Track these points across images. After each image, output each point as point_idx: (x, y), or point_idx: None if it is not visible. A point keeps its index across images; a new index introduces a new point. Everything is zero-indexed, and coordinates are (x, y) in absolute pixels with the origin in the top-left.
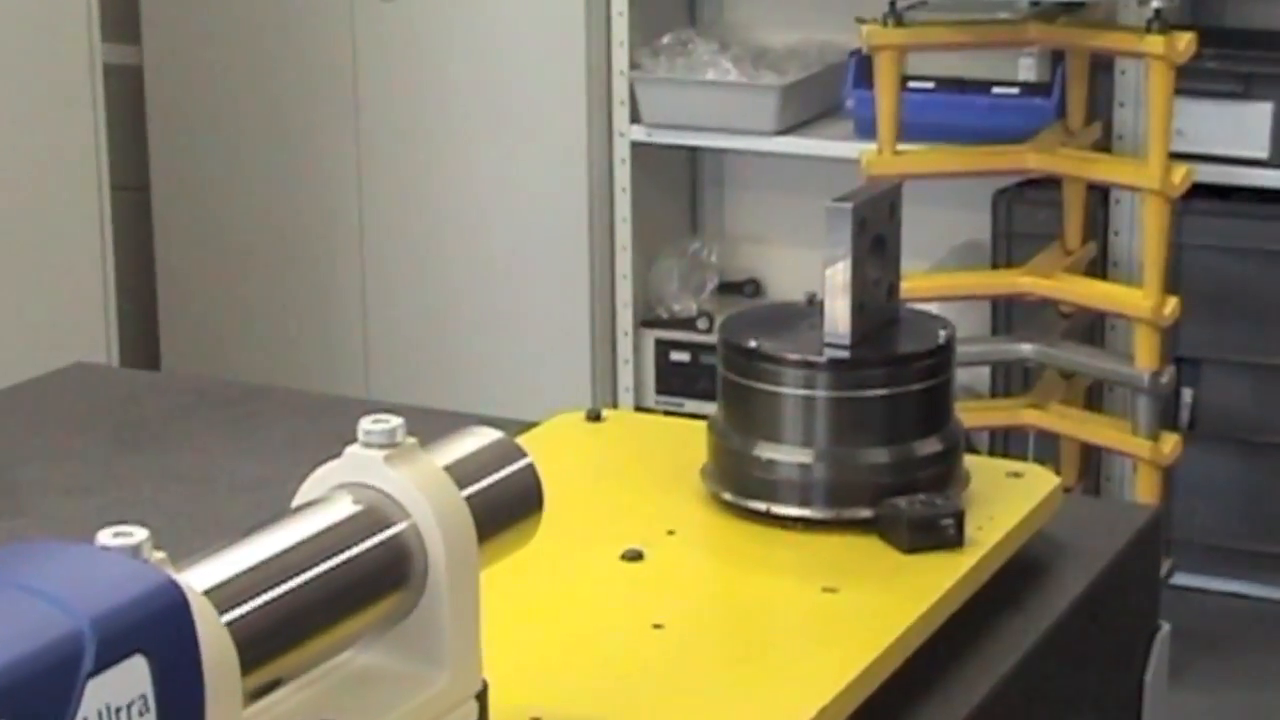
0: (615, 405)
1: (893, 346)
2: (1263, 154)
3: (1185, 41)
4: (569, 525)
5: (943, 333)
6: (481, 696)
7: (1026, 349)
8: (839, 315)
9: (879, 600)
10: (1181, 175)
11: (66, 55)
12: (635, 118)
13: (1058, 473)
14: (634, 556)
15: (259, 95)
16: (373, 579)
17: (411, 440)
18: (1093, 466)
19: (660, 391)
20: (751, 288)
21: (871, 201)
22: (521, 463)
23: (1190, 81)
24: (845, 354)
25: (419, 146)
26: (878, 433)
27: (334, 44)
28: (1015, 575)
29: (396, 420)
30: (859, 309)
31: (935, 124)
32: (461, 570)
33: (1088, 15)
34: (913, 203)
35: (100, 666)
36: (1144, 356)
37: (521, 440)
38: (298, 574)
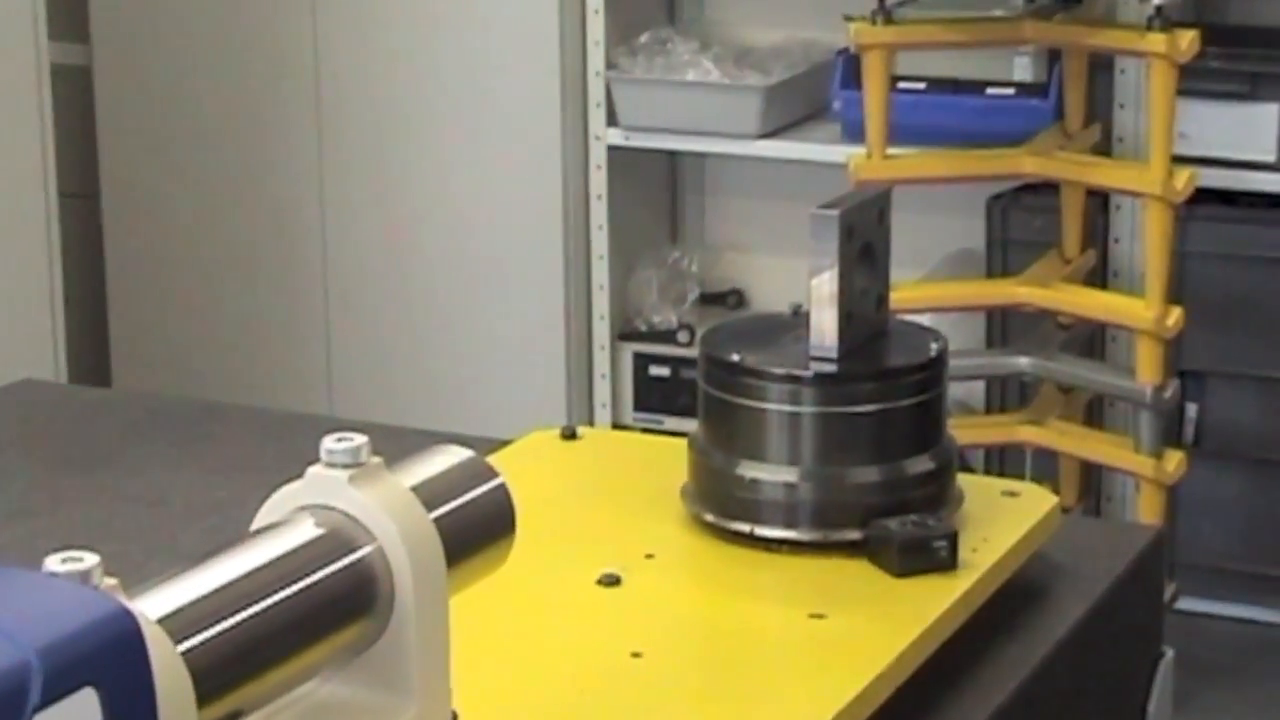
0: (591, 422)
1: (882, 360)
2: (1269, 157)
3: (1188, 40)
4: (543, 549)
5: (935, 345)
6: None
7: (1023, 362)
8: (826, 327)
9: (868, 627)
10: (1184, 180)
11: (11, 55)
12: (612, 120)
13: (1056, 492)
14: (611, 581)
15: (215, 97)
16: (336, 606)
17: (377, 460)
18: (1093, 485)
19: (639, 408)
20: (734, 299)
21: (859, 208)
22: (493, 483)
23: (1194, 81)
24: (832, 368)
25: (385, 151)
26: (867, 450)
27: (295, 45)
28: (1011, 600)
29: (361, 439)
30: (846, 320)
31: (927, 126)
32: (430, 596)
33: (1086, 12)
34: (903, 209)
35: (48, 700)
36: (1146, 370)
37: (493, 459)
38: (257, 601)
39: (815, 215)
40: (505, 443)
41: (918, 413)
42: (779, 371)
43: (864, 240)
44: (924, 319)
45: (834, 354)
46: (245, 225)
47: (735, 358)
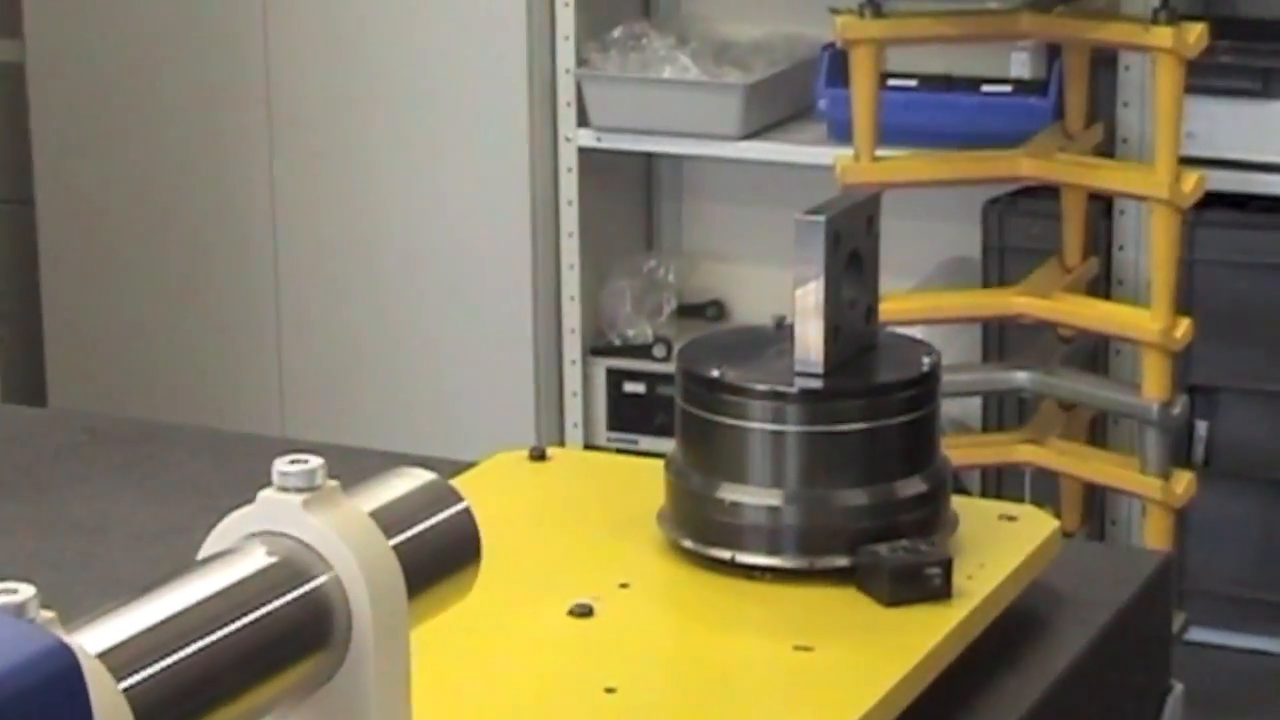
0: (562, 443)
1: (871, 375)
2: None
3: (1196, 33)
4: (510, 577)
5: (927, 359)
6: None
7: (1021, 377)
8: (811, 341)
9: (857, 659)
10: (1193, 183)
11: None
12: (583, 121)
13: (1057, 515)
14: (583, 612)
15: (159, 96)
16: (289, 639)
17: (333, 483)
18: (1096, 508)
19: (612, 427)
20: (714, 310)
21: (847, 213)
22: (457, 507)
23: (1202, 78)
24: (818, 384)
25: (339, 155)
26: (855, 472)
27: (245, 41)
28: (1009, 631)
29: (316, 461)
30: (833, 334)
31: (918, 126)
32: (389, 628)
33: (1088, 4)
34: (893, 215)
35: None
36: (1153, 385)
37: (457, 482)
38: (204, 634)
39: (800, 221)
40: (470, 465)
41: (909, 431)
42: (762, 388)
43: (851, 248)
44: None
45: (820, 369)
46: (191, 233)
47: (715, 373)
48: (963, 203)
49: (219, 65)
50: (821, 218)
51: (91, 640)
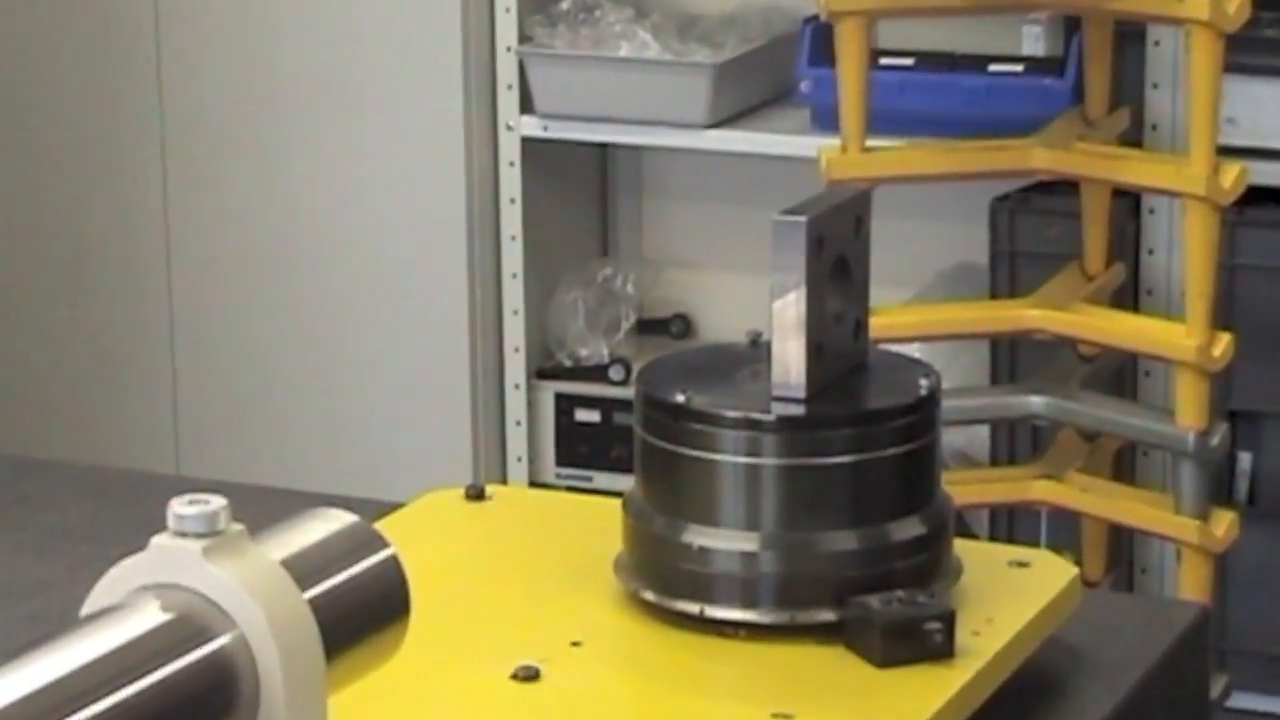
0: (504, 480)
1: (860, 400)
2: None
3: (1236, 4)
4: (445, 635)
5: (925, 381)
6: None
7: (1036, 403)
8: (791, 360)
9: None
10: (1233, 176)
11: None
12: (527, 107)
13: (1077, 562)
14: (529, 675)
15: (37, 94)
16: (187, 708)
17: (238, 527)
18: (1123, 554)
19: (562, 461)
20: (679, 326)
21: (832, 213)
22: (382, 554)
23: (1243, 55)
24: (799, 410)
25: (242, 147)
26: (843, 512)
27: (131, 23)
28: (1022, 694)
29: (218, 501)
30: (817, 352)
31: (915, 113)
32: (304, 695)
33: None
34: (887, 215)
35: None
36: (1188, 411)
37: (382, 525)
38: (89, 703)
39: (777, 223)
40: (397, 505)
41: (905, 465)
42: (734, 415)
43: (838, 253)
44: (913, 349)
45: (801, 393)
46: (71, 243)
47: (680, 399)
48: (967, 201)
49: (103, 53)
50: (802, 218)
51: None
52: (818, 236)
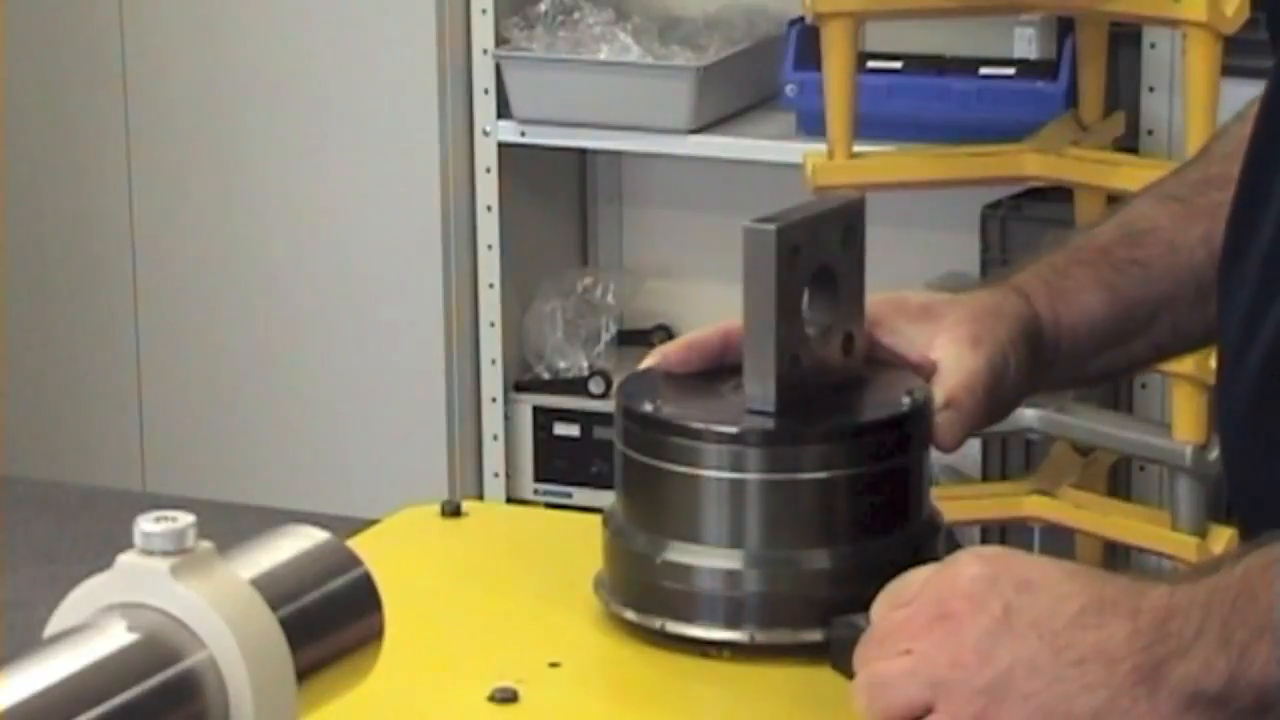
0: (480, 496)
1: (843, 414)
2: None
3: (1235, 4)
4: (420, 656)
5: (914, 394)
6: None
7: (1028, 415)
8: (761, 374)
9: None
10: None
11: None
12: (504, 112)
13: None
14: (506, 697)
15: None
16: None
17: (206, 544)
18: (1119, 571)
19: (540, 477)
20: (661, 337)
21: (812, 222)
22: (355, 573)
23: (1242, 58)
24: (771, 424)
25: (210, 154)
26: (829, 529)
27: (96, 29)
28: None
29: (186, 518)
30: (792, 364)
31: (904, 117)
32: (274, 718)
33: None
34: (876, 222)
35: None
36: (1185, 424)
37: (355, 543)
38: None
39: (748, 230)
40: (371, 522)
41: (893, 480)
42: (718, 429)
43: (820, 263)
44: None
45: (771, 407)
46: (34, 254)
47: (662, 412)
48: (958, 208)
49: (68, 54)
50: (772, 226)
51: None
52: (792, 245)
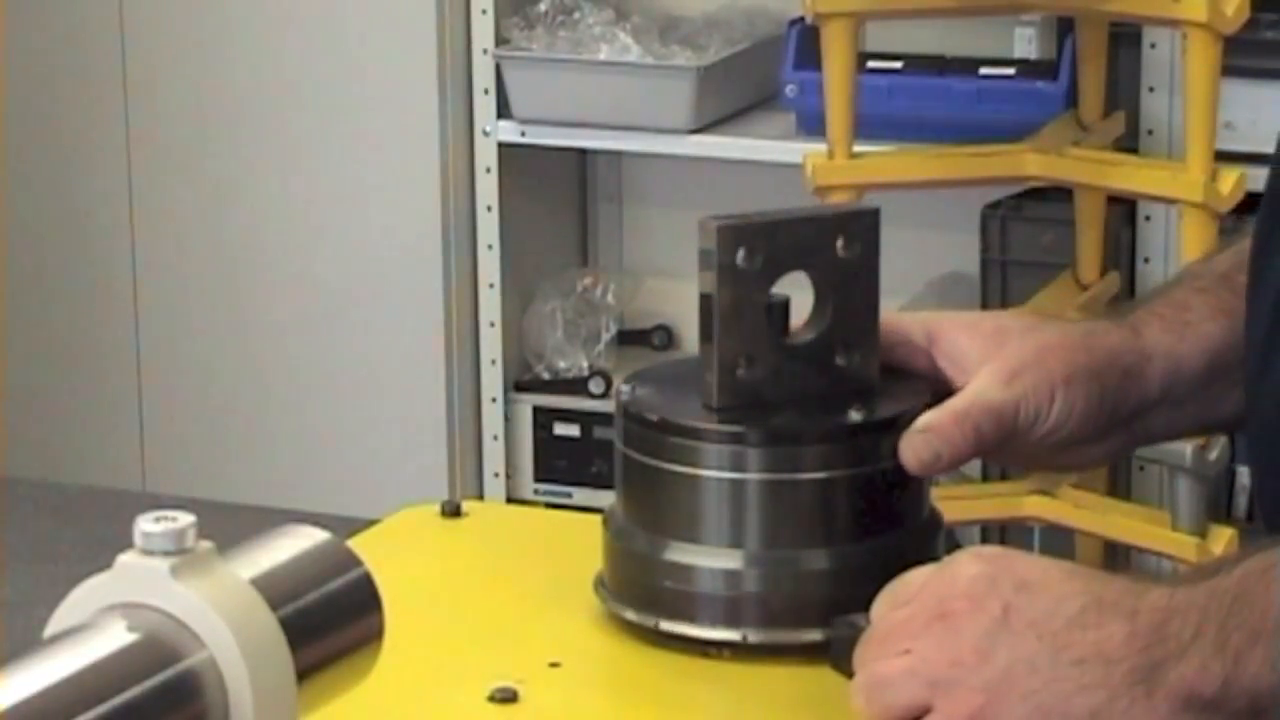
0: (480, 496)
1: (844, 415)
2: None
3: (1236, 4)
4: (420, 656)
5: (917, 395)
6: None
7: None
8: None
9: None
10: (1231, 183)
11: None
12: (504, 112)
13: None
14: (506, 697)
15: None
16: None
17: (206, 544)
18: (1118, 571)
19: (540, 477)
20: (661, 337)
21: (779, 225)
22: (355, 573)
23: (1241, 57)
24: (714, 422)
25: (210, 154)
26: (829, 529)
27: (96, 26)
28: None
29: (186, 518)
30: (744, 363)
31: (904, 117)
32: (274, 716)
33: None
34: None
35: None
36: None
37: (355, 543)
38: None
39: (702, 221)
40: (371, 522)
41: (893, 480)
42: (717, 429)
43: (790, 267)
44: None
45: (713, 403)
46: (34, 256)
47: (662, 412)
48: (958, 208)
49: (69, 56)
50: (719, 222)
51: None
52: (744, 243)
